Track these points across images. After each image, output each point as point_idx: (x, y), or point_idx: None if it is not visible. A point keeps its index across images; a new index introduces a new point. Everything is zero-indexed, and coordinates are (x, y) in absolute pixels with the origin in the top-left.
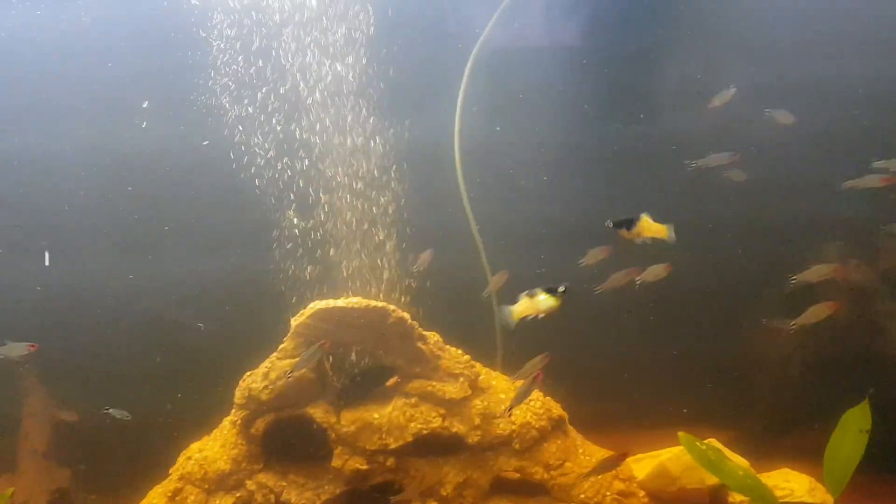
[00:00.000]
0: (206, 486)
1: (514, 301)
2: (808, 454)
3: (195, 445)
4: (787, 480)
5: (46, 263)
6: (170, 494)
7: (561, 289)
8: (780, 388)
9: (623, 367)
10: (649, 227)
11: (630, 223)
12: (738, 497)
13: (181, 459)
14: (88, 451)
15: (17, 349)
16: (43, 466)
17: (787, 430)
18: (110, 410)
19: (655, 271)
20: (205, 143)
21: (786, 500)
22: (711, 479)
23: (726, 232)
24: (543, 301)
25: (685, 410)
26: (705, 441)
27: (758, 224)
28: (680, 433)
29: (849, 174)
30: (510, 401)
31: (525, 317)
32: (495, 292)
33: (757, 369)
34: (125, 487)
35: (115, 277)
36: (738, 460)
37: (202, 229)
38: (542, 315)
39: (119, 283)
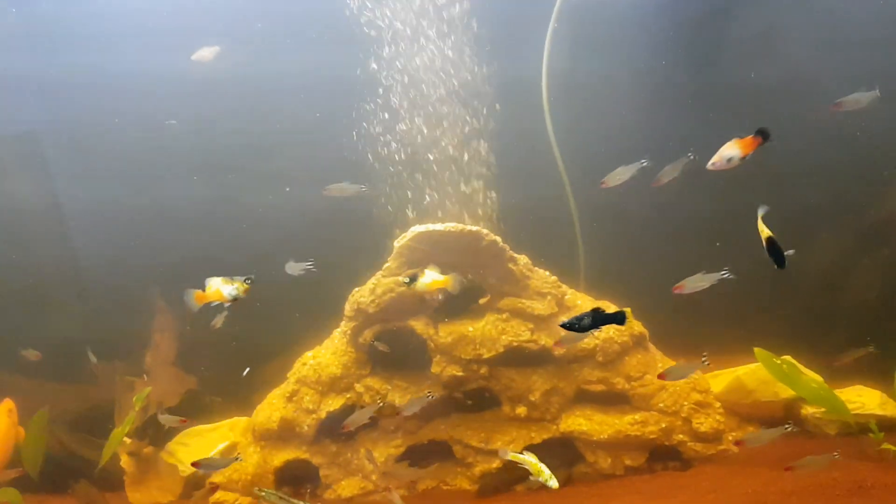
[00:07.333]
0: (320, 388)
1: None
2: (878, 375)
3: (309, 353)
4: (860, 395)
5: None
6: (288, 395)
7: None
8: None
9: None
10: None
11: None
12: (810, 409)
13: (297, 365)
14: (212, 359)
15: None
16: (173, 373)
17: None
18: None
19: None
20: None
21: (857, 412)
22: (785, 393)
23: None
24: None
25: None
26: (781, 357)
27: None
28: (756, 349)
29: None
30: None
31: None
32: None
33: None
34: (246, 390)
35: None
36: (812, 375)
37: None
38: None
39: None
